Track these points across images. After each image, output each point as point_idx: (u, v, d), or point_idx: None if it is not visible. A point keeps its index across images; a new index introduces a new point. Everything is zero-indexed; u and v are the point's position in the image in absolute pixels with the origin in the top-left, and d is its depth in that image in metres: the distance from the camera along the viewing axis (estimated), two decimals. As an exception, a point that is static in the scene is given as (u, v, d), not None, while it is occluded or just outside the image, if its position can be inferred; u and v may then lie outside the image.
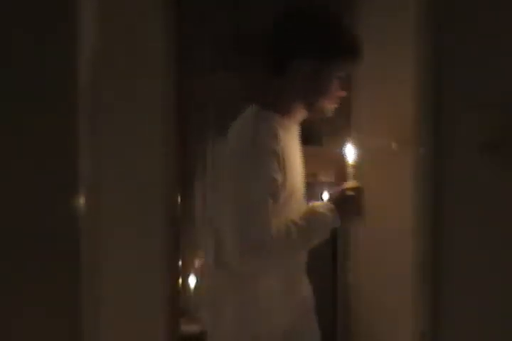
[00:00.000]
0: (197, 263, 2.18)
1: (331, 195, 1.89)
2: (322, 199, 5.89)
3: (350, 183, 1.90)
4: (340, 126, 2.86)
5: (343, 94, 1.87)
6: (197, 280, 3.82)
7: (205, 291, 2.00)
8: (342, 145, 1.98)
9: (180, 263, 3.04)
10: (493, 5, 1.86)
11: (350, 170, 1.91)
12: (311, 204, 1.96)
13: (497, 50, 1.85)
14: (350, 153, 1.93)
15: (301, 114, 1.91)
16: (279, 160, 1.79)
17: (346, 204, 1.88)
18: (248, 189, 1.74)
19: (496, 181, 1.86)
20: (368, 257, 2.65)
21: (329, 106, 1.88)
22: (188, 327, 3.58)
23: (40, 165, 1.63)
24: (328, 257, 4.43)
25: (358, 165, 1.94)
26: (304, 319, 1.96)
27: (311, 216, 1.85)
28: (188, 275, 3.75)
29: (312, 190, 6.03)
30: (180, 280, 3.21)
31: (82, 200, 1.65)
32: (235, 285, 1.87)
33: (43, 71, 1.60)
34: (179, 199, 2.75)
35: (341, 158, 2.03)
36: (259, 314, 1.87)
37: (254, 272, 1.85)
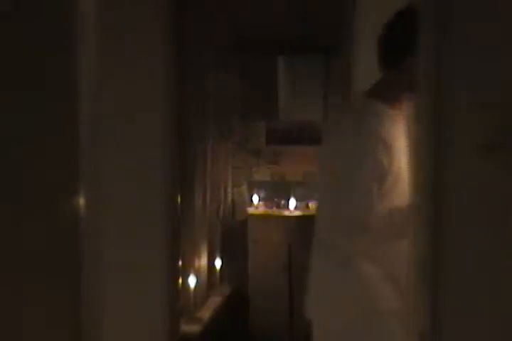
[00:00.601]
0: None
1: None
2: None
3: None
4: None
5: None
6: (197, 280, 3.83)
7: (314, 273, 2.09)
8: None
9: (180, 263, 3.04)
10: (494, 4, 1.86)
11: None
12: None
13: (497, 49, 1.85)
14: None
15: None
16: (386, 146, 1.89)
17: None
18: (355, 173, 1.86)
19: (496, 181, 1.86)
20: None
21: None
22: (188, 327, 3.59)
23: (40, 165, 1.63)
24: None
25: None
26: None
27: None
28: (188, 276, 3.75)
29: (312, 190, 6.03)
30: (180, 280, 3.22)
31: (82, 200, 1.65)
32: (341, 267, 1.95)
33: (44, 66, 1.60)
34: (179, 199, 2.75)
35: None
36: (361, 296, 1.95)
37: (358, 254, 1.94)
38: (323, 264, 2.06)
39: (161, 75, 2.44)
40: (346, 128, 2.02)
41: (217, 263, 4.49)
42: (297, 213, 5.02)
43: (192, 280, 3.77)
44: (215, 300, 4.24)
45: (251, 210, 5.13)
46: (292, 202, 5.07)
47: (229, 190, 4.92)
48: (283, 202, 5.14)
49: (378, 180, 1.91)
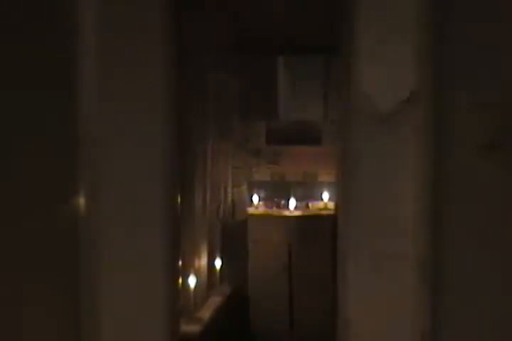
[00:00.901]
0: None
1: None
2: (322, 199, 5.89)
3: None
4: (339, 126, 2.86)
5: None
6: (197, 280, 3.83)
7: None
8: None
9: (180, 263, 3.04)
10: (494, 4, 1.86)
11: None
12: None
13: (497, 49, 1.86)
14: None
15: None
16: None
17: None
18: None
19: (496, 181, 1.86)
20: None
21: None
22: (188, 327, 3.59)
23: (40, 165, 1.63)
24: (327, 256, 4.43)
25: None
26: None
27: None
28: (188, 276, 3.75)
29: (312, 190, 6.03)
30: (180, 280, 3.22)
31: (82, 200, 1.65)
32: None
33: (44, 66, 1.60)
34: (179, 199, 2.75)
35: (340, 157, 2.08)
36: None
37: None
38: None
39: (161, 75, 2.43)
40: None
41: (217, 263, 4.49)
42: (297, 213, 5.02)
43: (192, 280, 3.77)
44: (215, 300, 4.24)
45: (251, 210, 5.12)
46: (292, 202, 5.07)
47: (229, 190, 4.91)
48: (283, 202, 5.14)
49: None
